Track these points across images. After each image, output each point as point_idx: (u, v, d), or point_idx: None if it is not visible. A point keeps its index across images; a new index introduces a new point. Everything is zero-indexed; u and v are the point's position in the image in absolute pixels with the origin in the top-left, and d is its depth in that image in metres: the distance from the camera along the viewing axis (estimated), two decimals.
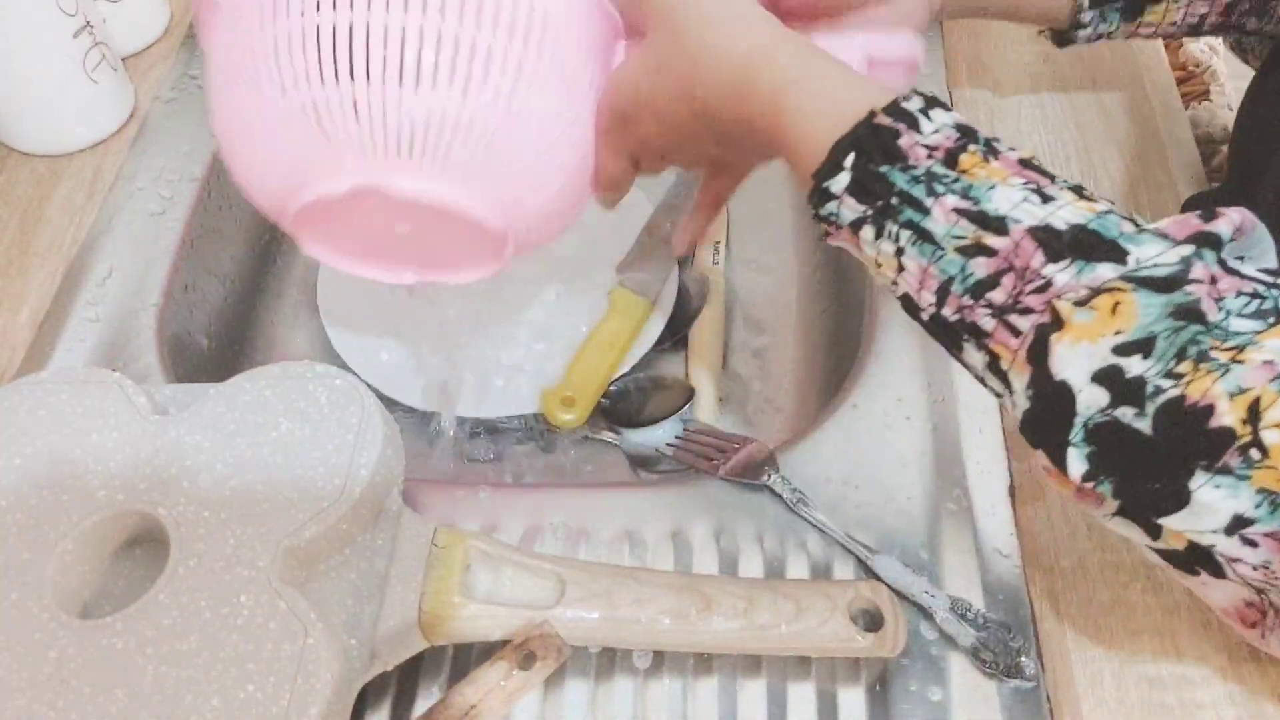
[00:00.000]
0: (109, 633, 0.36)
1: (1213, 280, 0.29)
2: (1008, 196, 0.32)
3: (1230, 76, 0.72)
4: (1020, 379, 0.31)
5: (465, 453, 0.62)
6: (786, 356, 0.66)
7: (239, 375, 0.44)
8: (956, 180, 0.32)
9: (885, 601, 0.40)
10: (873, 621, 0.40)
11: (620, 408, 0.60)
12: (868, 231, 0.34)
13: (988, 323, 0.32)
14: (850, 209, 0.34)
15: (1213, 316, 0.29)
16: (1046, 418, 0.30)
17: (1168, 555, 0.32)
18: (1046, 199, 0.31)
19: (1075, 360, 0.29)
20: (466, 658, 0.42)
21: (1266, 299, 0.29)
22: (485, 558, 0.40)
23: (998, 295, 0.31)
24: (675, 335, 0.64)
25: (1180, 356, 0.28)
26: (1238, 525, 0.28)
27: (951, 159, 0.33)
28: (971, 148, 0.33)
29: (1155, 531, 0.31)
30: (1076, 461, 0.30)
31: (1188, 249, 0.30)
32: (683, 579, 0.41)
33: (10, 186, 0.62)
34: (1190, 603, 0.43)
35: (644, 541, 0.45)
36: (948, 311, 0.33)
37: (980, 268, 0.32)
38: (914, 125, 0.33)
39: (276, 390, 0.43)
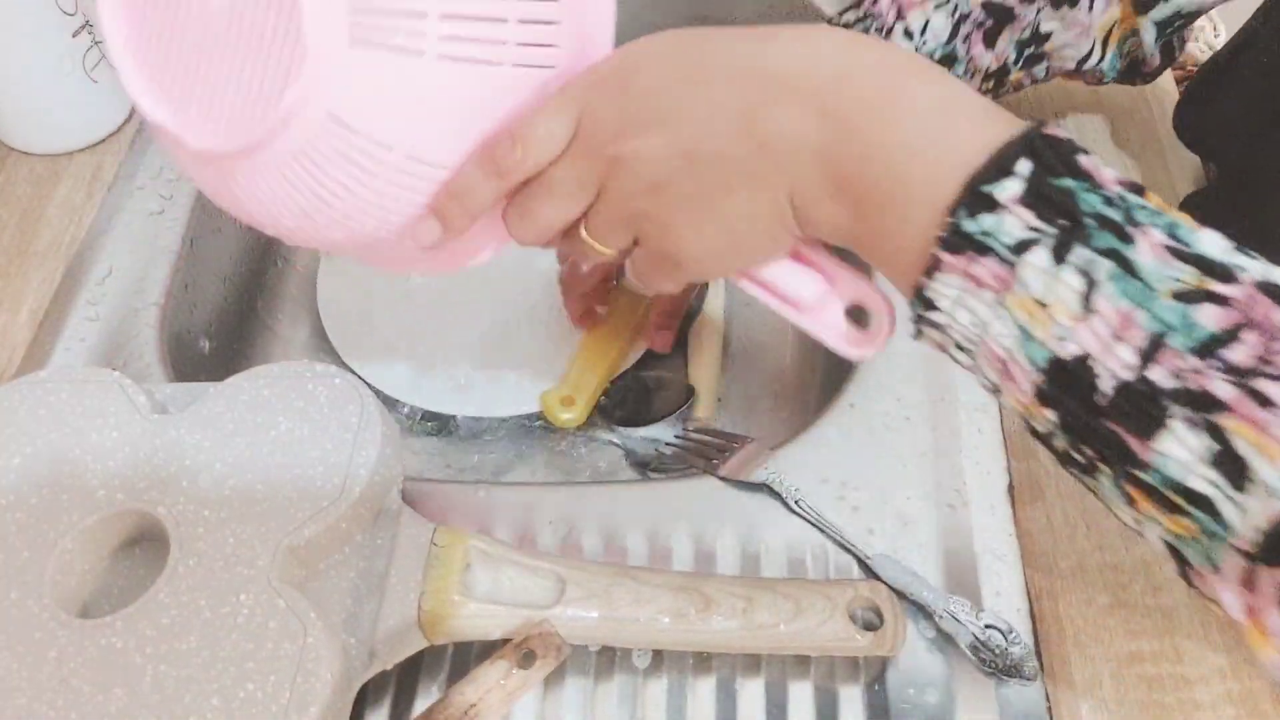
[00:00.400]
0: (109, 632, 0.36)
1: None
2: (1215, 242, 0.26)
3: None
4: (1268, 464, 0.23)
5: (465, 451, 0.62)
6: (785, 356, 0.66)
7: (239, 374, 0.44)
8: (1157, 214, 0.26)
9: (884, 601, 0.40)
10: (872, 621, 0.40)
11: (620, 408, 0.60)
12: (1040, 257, 0.26)
13: (1224, 389, 0.24)
14: (1018, 225, 0.26)
15: None
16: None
17: None
18: (1245, 253, 0.26)
19: None
20: (466, 657, 0.42)
21: None
22: (485, 557, 0.40)
23: (1238, 353, 0.24)
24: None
25: None
26: None
27: (1138, 190, 0.26)
28: (1154, 196, 0.27)
29: None
30: None
31: None
32: (682, 578, 0.41)
33: (9, 186, 0.62)
34: (1190, 603, 0.43)
35: (643, 541, 0.45)
36: (1158, 375, 0.25)
37: (1209, 318, 0.24)
38: (1084, 150, 0.27)
39: (276, 389, 0.43)
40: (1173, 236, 0.25)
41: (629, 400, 0.61)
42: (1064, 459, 0.28)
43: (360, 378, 0.44)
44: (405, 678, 0.41)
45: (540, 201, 0.33)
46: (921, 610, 0.42)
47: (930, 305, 0.28)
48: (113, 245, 0.58)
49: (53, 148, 0.63)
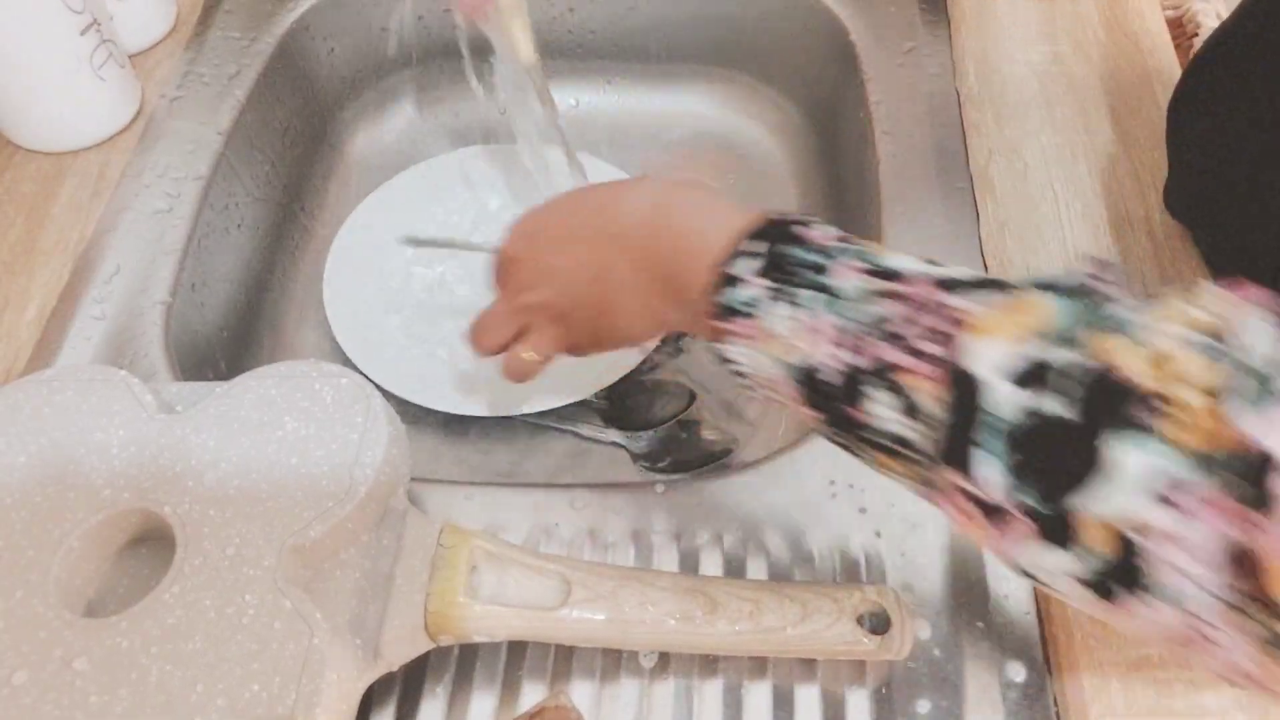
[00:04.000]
0: (114, 631, 0.36)
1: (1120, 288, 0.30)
2: (902, 260, 0.34)
3: None
4: (933, 400, 0.30)
5: (471, 452, 0.62)
6: None
7: (245, 374, 0.43)
8: (853, 250, 0.35)
9: (892, 605, 0.40)
10: (879, 625, 0.40)
11: (622, 412, 0.60)
12: (771, 306, 0.34)
13: (896, 355, 0.32)
14: (756, 288, 0.35)
15: (1123, 303, 0.30)
16: (963, 423, 0.29)
17: (1091, 581, 0.29)
18: (936, 265, 0.34)
19: (987, 354, 0.29)
20: (472, 658, 0.42)
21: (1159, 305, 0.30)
22: (491, 558, 0.40)
23: (900, 326, 0.32)
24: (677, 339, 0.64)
25: (1089, 330, 0.29)
26: (1150, 479, 0.26)
27: (843, 238, 0.36)
28: (857, 239, 0.36)
29: (1072, 538, 0.28)
30: (996, 474, 0.29)
31: (1089, 269, 0.31)
32: (689, 580, 0.41)
33: (16, 184, 0.62)
34: None
35: (650, 542, 0.45)
36: (853, 358, 0.32)
37: (881, 306, 0.32)
38: (805, 224, 0.36)
39: (282, 389, 0.42)
40: (864, 260, 0.34)
41: (631, 404, 0.61)
42: (843, 448, 0.36)
43: (367, 377, 0.44)
44: (411, 679, 0.41)
45: (484, 335, 0.49)
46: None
47: (728, 360, 0.37)
48: (119, 244, 0.58)
49: (59, 146, 0.63)
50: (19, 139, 0.63)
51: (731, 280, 0.35)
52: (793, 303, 0.34)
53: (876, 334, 0.32)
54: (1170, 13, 0.72)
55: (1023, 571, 0.31)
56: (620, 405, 0.61)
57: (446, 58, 0.78)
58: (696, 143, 0.80)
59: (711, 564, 0.44)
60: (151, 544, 0.41)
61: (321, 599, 0.38)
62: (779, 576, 0.44)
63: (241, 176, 0.66)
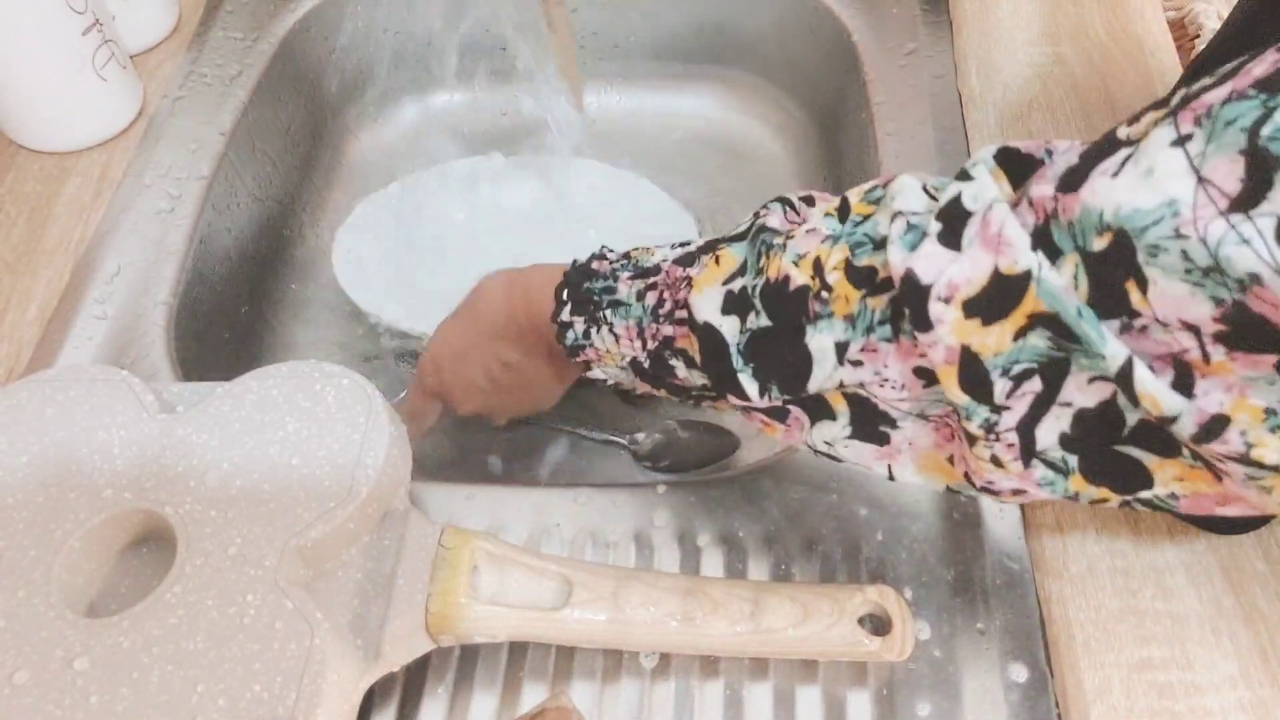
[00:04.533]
0: (115, 631, 0.36)
1: (782, 214, 0.38)
2: (660, 253, 0.42)
3: None
4: (697, 350, 0.38)
5: (473, 452, 0.62)
6: None
7: (247, 374, 0.44)
8: (628, 263, 0.43)
9: (893, 606, 0.40)
10: (880, 626, 0.40)
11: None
12: (593, 333, 0.43)
13: (668, 329, 0.40)
14: (578, 325, 0.43)
15: (780, 227, 0.37)
16: (714, 360, 0.37)
17: (858, 434, 0.36)
18: (684, 244, 0.42)
19: (705, 303, 0.37)
20: (473, 659, 0.42)
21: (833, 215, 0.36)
22: (492, 559, 0.40)
23: (665, 307, 0.40)
24: None
25: (759, 257, 0.36)
26: (841, 351, 0.33)
27: (625, 256, 0.44)
28: (636, 249, 0.44)
29: (830, 412, 0.35)
30: (749, 384, 0.36)
31: (759, 212, 0.39)
32: (690, 581, 0.41)
33: (18, 184, 0.62)
34: (1200, 610, 0.42)
35: (651, 543, 0.45)
36: (650, 344, 0.41)
37: (651, 298, 0.41)
38: (601, 256, 0.44)
39: (284, 389, 0.42)
40: (635, 268, 0.42)
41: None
42: (693, 406, 0.44)
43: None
44: (412, 679, 0.41)
45: (413, 421, 0.54)
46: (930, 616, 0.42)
47: (598, 379, 0.46)
48: (121, 244, 0.58)
49: (61, 146, 0.63)
50: (21, 139, 0.63)
51: (564, 326, 0.44)
52: (604, 324, 0.42)
53: (653, 320, 0.40)
54: (1172, 14, 0.72)
55: (818, 451, 0.37)
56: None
57: (445, 58, 0.78)
58: (698, 143, 0.80)
59: (712, 564, 0.44)
60: (153, 544, 0.41)
61: (323, 599, 0.38)
62: (780, 577, 0.44)
63: (243, 177, 0.66)
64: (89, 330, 0.54)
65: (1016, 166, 0.32)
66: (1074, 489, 0.32)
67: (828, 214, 0.35)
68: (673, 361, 0.40)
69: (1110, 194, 0.27)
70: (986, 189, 0.30)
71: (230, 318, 0.63)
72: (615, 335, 0.42)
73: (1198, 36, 0.70)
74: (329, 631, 0.36)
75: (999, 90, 0.66)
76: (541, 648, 0.42)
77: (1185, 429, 0.27)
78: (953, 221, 0.30)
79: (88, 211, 0.60)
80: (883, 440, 0.36)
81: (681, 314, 0.39)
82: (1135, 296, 0.27)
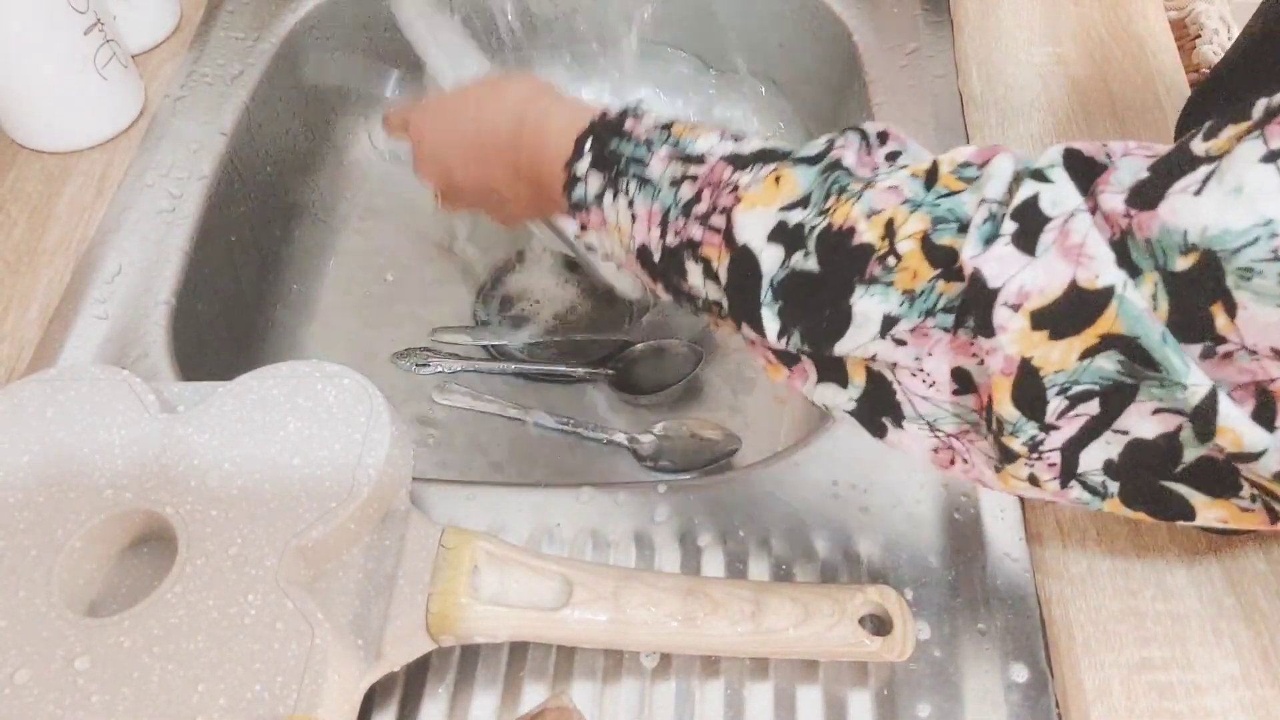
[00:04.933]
0: (116, 631, 0.36)
1: (858, 150, 0.35)
2: (707, 141, 0.38)
3: None
4: (723, 267, 0.35)
5: (474, 452, 0.62)
6: None
7: (247, 374, 0.44)
8: (668, 138, 0.39)
9: (894, 606, 0.40)
10: (881, 626, 0.40)
11: (631, 377, 0.61)
12: (608, 199, 0.39)
13: (697, 232, 0.36)
14: (593, 184, 0.40)
15: (856, 168, 0.34)
16: (740, 285, 0.34)
17: (860, 412, 0.34)
18: (738, 140, 0.38)
19: (751, 224, 0.34)
20: (473, 659, 0.42)
21: (904, 156, 0.35)
22: (493, 559, 0.40)
23: (701, 207, 0.36)
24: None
25: (827, 196, 0.33)
26: (888, 325, 0.31)
27: (665, 127, 0.40)
28: (680, 123, 0.40)
29: (843, 377, 0.34)
30: (770, 321, 0.33)
31: (834, 135, 0.36)
32: (690, 581, 0.41)
33: (20, 183, 0.62)
34: (1201, 610, 0.42)
35: (652, 543, 0.45)
36: (670, 238, 0.37)
37: (687, 191, 0.37)
38: (636, 115, 0.41)
39: (285, 389, 0.42)
40: (675, 148, 0.38)
41: (639, 370, 0.61)
42: (691, 313, 0.40)
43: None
44: (413, 679, 0.41)
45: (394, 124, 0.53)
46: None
47: (590, 246, 0.43)
48: (122, 244, 0.58)
49: (63, 146, 0.63)
50: (22, 138, 0.63)
51: (576, 178, 0.40)
52: (624, 195, 0.39)
53: (682, 215, 0.37)
54: (1173, 14, 0.72)
55: (817, 405, 0.36)
56: (629, 371, 0.61)
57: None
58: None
59: (713, 564, 0.44)
60: (154, 544, 0.41)
61: (324, 599, 0.38)
62: (781, 577, 0.44)
63: (244, 176, 0.66)
64: (90, 330, 0.54)
65: (1080, 168, 0.30)
66: (1108, 509, 0.31)
67: (914, 175, 0.32)
68: (689, 265, 0.37)
69: (1195, 213, 0.25)
70: (1068, 195, 0.28)
71: (231, 318, 0.63)
72: (633, 215, 0.39)
73: (1199, 36, 0.70)
74: (330, 631, 0.36)
75: (1000, 90, 0.66)
76: (542, 648, 0.42)
77: (1269, 466, 0.26)
78: (1029, 223, 0.28)
79: (89, 211, 0.60)
80: (879, 431, 0.35)
81: (718, 221, 0.36)
82: (1221, 321, 0.25)
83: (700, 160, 0.37)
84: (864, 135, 0.36)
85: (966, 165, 0.32)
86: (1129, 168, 0.28)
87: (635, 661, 0.42)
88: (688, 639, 0.39)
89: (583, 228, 0.42)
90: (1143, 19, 0.69)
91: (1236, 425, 0.26)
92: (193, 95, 0.67)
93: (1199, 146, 0.27)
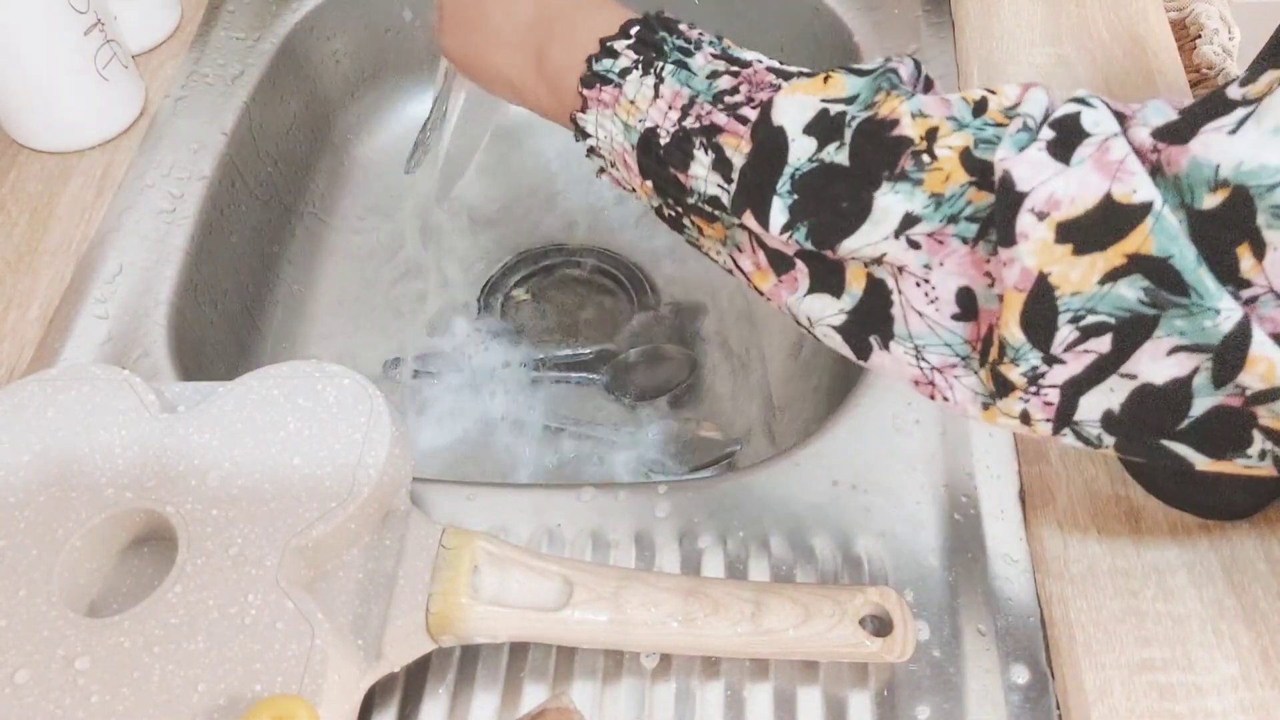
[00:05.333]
0: (116, 631, 0.36)
1: (911, 73, 0.34)
2: (755, 55, 0.37)
3: None
4: (740, 155, 0.34)
5: (474, 452, 0.62)
6: (795, 358, 0.66)
7: (248, 374, 0.44)
8: (718, 44, 0.38)
9: (894, 607, 0.40)
10: (881, 627, 0.40)
11: (625, 382, 0.61)
12: (634, 75, 0.37)
13: (721, 118, 0.35)
14: (625, 59, 0.38)
15: (909, 82, 0.33)
16: (759, 169, 0.33)
17: (848, 327, 0.33)
18: (784, 64, 0.37)
19: (792, 108, 0.32)
20: (474, 659, 0.42)
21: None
22: (493, 559, 0.40)
23: (734, 97, 0.35)
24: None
25: (876, 92, 0.32)
26: (907, 224, 0.30)
27: (717, 38, 0.38)
28: (725, 42, 0.38)
29: (839, 286, 0.33)
30: (779, 213, 0.32)
31: (890, 59, 0.34)
32: (691, 582, 0.41)
33: (20, 183, 0.62)
34: (1202, 611, 0.42)
35: (652, 543, 0.45)
36: (689, 121, 0.35)
37: (723, 83, 0.36)
38: (691, 26, 0.39)
39: (285, 389, 0.42)
40: (724, 53, 0.37)
41: (633, 374, 0.61)
42: (671, 221, 0.39)
43: None
44: (413, 680, 0.41)
45: None
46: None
47: (584, 133, 0.39)
48: (123, 243, 0.58)
49: (63, 146, 0.63)
50: (23, 139, 0.63)
51: (609, 52, 0.38)
52: (654, 74, 0.37)
53: (710, 102, 0.35)
54: (1173, 15, 0.72)
55: (799, 322, 0.35)
56: (624, 377, 0.61)
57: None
58: None
59: (713, 565, 0.44)
60: (154, 544, 0.41)
61: (324, 599, 0.38)
62: (781, 578, 0.44)
63: (245, 176, 0.66)
64: (91, 330, 0.54)
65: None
66: (1099, 455, 0.31)
67: (965, 100, 0.31)
68: (697, 153, 0.35)
69: (1229, 149, 0.24)
70: (1108, 119, 0.27)
71: (232, 318, 0.63)
72: (656, 93, 0.36)
73: (1198, 37, 0.70)
74: (330, 632, 0.36)
75: None
76: (542, 648, 0.42)
77: None
78: (1067, 134, 0.27)
79: (89, 211, 0.60)
80: (863, 351, 0.33)
81: (747, 112, 0.34)
82: (1247, 263, 0.24)
83: (745, 64, 0.36)
84: (919, 67, 0.35)
85: (1012, 107, 0.31)
86: (1157, 110, 0.27)
87: (635, 662, 0.42)
88: (688, 639, 0.39)
89: (584, 107, 0.39)
90: (1143, 19, 0.69)
91: (1271, 354, 0.25)
92: (193, 95, 0.67)
93: (1235, 92, 0.26)
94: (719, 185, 0.35)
